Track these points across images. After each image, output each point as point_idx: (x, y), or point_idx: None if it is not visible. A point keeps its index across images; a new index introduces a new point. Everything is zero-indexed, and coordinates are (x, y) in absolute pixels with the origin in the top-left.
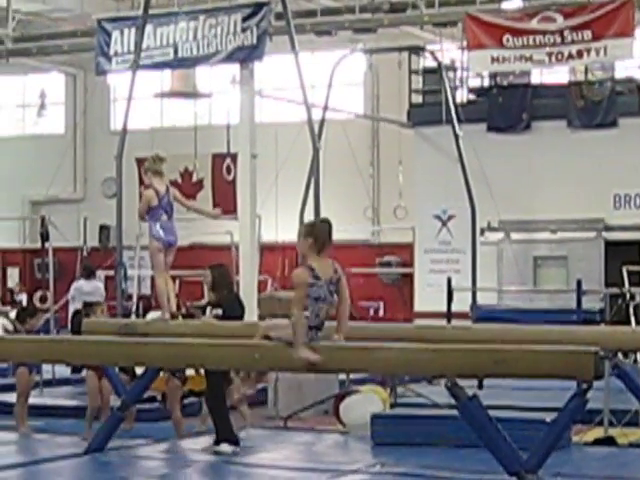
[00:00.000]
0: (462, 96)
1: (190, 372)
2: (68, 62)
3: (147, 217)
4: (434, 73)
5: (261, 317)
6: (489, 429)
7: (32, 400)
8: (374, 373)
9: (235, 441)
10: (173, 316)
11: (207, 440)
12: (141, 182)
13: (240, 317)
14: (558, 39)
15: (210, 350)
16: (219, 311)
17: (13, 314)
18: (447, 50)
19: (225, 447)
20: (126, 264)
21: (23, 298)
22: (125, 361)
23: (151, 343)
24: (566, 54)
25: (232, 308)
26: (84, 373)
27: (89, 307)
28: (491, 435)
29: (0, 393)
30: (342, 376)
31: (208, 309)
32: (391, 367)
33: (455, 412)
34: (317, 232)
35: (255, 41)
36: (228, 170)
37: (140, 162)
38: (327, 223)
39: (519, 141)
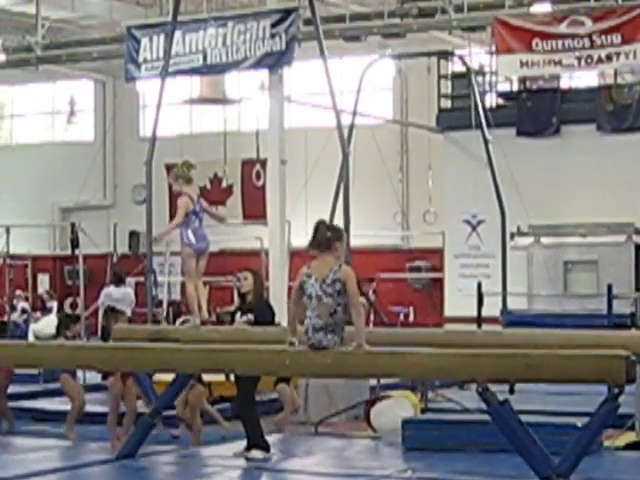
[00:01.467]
0: (491, 101)
1: (217, 378)
2: (97, 69)
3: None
4: (463, 78)
5: None
6: (520, 434)
7: (64, 406)
8: (405, 378)
9: (266, 447)
10: (204, 322)
11: (238, 446)
12: (170, 188)
13: (271, 323)
14: (587, 43)
15: (241, 356)
16: (250, 316)
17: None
18: (476, 55)
19: (257, 453)
20: (156, 270)
21: (54, 305)
22: (156, 367)
23: (182, 349)
24: (595, 58)
25: (264, 314)
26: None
27: (115, 313)
28: (522, 440)
29: (32, 400)
30: (373, 381)
31: (238, 314)
32: (422, 372)
33: (486, 417)
34: (314, 232)
35: (284, 47)
36: (257, 176)
37: (169, 168)
38: (322, 223)
39: (548, 145)
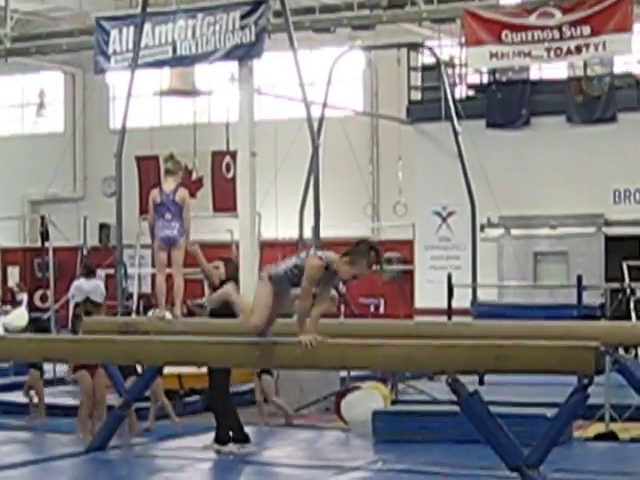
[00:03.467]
0: (461, 92)
1: (188, 370)
2: (67, 61)
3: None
4: (433, 70)
5: None
6: (490, 425)
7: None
8: (375, 370)
9: (245, 439)
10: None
11: (208, 438)
12: (141, 180)
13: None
14: (557, 34)
15: (211, 348)
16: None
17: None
18: (446, 46)
19: (230, 446)
20: (126, 263)
21: (24, 297)
22: (126, 360)
23: (151, 341)
24: (565, 49)
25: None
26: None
27: (91, 305)
28: (492, 431)
29: (1, 393)
30: (343, 373)
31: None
32: (392, 364)
33: (456, 408)
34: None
35: (254, 39)
36: (227, 168)
37: (140, 160)
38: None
39: (518, 137)
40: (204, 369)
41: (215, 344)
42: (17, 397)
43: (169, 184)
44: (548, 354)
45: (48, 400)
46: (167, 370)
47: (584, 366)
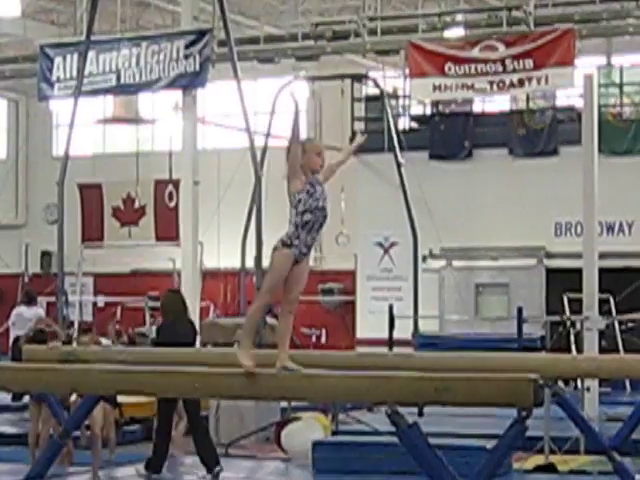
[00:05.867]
0: (404, 124)
1: (129, 399)
2: (10, 87)
3: None
4: (376, 101)
5: (203, 344)
6: (429, 456)
7: None
8: (315, 401)
9: (158, 469)
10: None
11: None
12: (83, 208)
13: (185, 344)
14: (500, 68)
15: (151, 377)
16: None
17: None
18: (389, 78)
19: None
20: (67, 291)
21: None
22: (64, 389)
23: (92, 370)
24: (508, 83)
25: (166, 334)
26: (26, 399)
27: (49, 333)
28: (431, 462)
29: None
30: (284, 403)
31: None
32: (331, 395)
33: (396, 439)
34: None
35: (198, 68)
36: (170, 197)
37: (82, 188)
38: None
39: (461, 169)
40: (144, 398)
41: (155, 373)
42: None
43: None
44: (487, 386)
45: None
46: None
47: (522, 398)
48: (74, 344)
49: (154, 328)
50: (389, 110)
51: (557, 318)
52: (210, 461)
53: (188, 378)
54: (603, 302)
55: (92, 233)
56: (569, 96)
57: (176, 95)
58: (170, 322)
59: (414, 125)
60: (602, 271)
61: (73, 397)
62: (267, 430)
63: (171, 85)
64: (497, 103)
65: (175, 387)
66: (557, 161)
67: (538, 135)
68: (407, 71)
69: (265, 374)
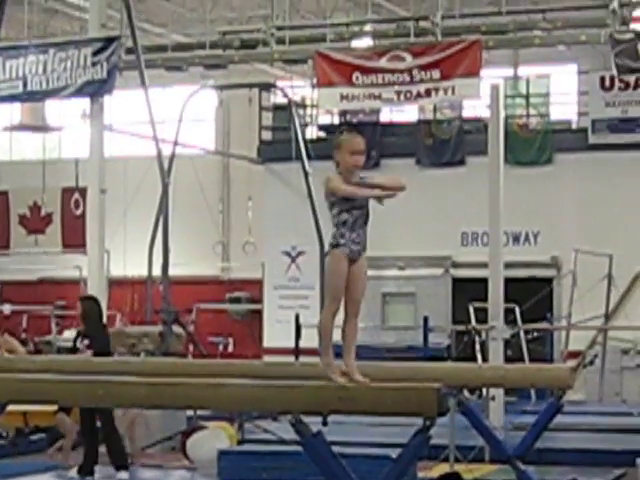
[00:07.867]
0: (312, 133)
1: (34, 408)
2: None
3: None
4: (284, 110)
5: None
6: (333, 465)
7: None
8: (218, 410)
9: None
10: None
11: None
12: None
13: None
14: (407, 78)
15: (52, 386)
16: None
17: None
18: (297, 87)
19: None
20: None
21: None
22: None
23: None
24: (415, 93)
25: (100, 339)
26: None
27: None
28: (335, 471)
29: None
30: (190, 412)
31: (79, 339)
32: (236, 404)
33: (301, 448)
34: None
35: (105, 75)
36: (77, 204)
37: None
38: None
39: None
40: (50, 407)
41: (58, 382)
42: None
43: None
44: (391, 395)
45: None
46: (12, 407)
47: (426, 407)
48: None
49: (72, 334)
50: (297, 119)
51: (463, 327)
52: (120, 461)
53: (91, 387)
54: (509, 312)
55: None
56: (476, 107)
57: (84, 102)
58: (94, 329)
59: (322, 134)
60: (508, 281)
61: None
62: (173, 439)
63: (78, 92)
64: (405, 113)
65: (78, 395)
66: (464, 171)
67: (445, 145)
68: (315, 80)
69: (169, 382)
